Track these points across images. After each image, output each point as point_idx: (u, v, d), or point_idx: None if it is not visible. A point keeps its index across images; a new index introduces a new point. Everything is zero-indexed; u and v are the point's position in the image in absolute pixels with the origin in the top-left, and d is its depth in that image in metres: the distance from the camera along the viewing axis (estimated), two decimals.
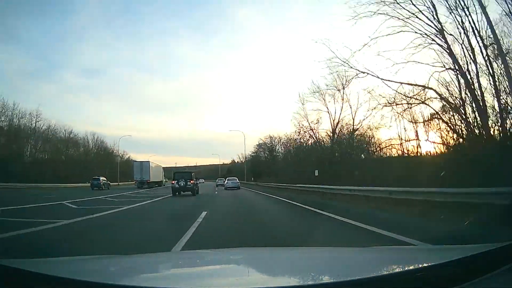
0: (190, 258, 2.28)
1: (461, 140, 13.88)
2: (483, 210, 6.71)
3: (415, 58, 14.85)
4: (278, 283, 1.51)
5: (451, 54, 14.08)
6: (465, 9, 13.44)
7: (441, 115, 14.97)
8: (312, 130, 29.59)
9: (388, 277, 1.31)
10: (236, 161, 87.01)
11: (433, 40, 14.45)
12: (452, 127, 14.28)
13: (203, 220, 8.41)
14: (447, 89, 14.64)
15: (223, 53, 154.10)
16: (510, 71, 10.74)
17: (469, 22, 13.44)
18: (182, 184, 22.15)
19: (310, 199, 15.79)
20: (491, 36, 12.03)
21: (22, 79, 79.37)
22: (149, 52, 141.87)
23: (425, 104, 15.53)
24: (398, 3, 14.63)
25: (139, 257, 2.32)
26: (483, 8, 11.51)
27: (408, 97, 16.01)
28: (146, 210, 12.64)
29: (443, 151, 14.91)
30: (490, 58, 13.02)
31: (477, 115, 13.26)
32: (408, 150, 17.69)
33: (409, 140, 17.24)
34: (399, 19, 14.87)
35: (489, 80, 13.07)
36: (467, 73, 13.56)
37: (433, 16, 14.36)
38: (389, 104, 16.97)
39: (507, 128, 12.26)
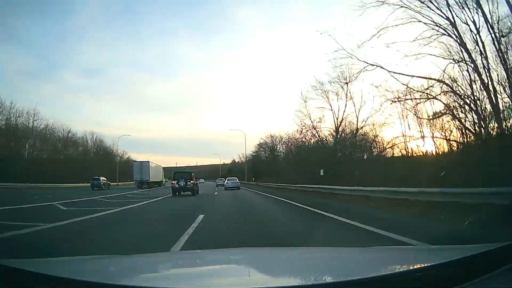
0: (190, 258, 2.28)
1: (472, 136, 13.40)
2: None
3: (425, 51, 14.22)
4: (278, 283, 1.51)
5: (463, 46, 13.44)
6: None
7: (453, 110, 14.32)
8: (315, 128, 28.86)
9: (388, 277, 1.31)
10: (236, 161, 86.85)
11: (444, 31, 13.74)
12: (463, 123, 13.75)
13: (201, 223, 7.93)
14: (456, 83, 14.04)
15: (223, 53, 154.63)
16: None
17: (482, 14, 12.81)
18: (182, 184, 22.15)
19: (313, 199, 15.44)
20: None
21: (22, 79, 79.59)
22: (149, 52, 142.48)
23: (436, 99, 14.84)
24: None
25: (139, 257, 2.32)
26: None
27: (419, 91, 15.30)
28: (141, 211, 12.02)
29: (448, 149, 14.53)
30: (503, 51, 12.49)
31: (490, 110, 12.76)
32: (412, 150, 17.26)
33: (417, 138, 16.55)
34: (409, 8, 14.22)
35: (502, 73, 12.58)
36: (479, 66, 13.00)
37: (444, 6, 13.66)
38: (397, 100, 16.25)
39: None
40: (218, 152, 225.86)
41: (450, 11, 13.62)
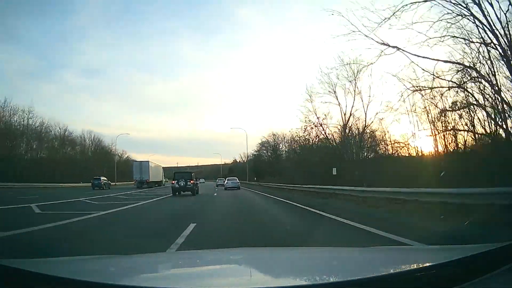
0: (190, 258, 2.28)
1: (500, 130, 12.38)
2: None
3: (449, 33, 12.63)
4: (278, 283, 1.51)
5: (490, 28, 11.98)
6: None
7: (479, 101, 12.88)
8: (321, 125, 26.66)
9: (388, 277, 1.31)
10: (238, 161, 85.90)
11: (469, 11, 12.17)
12: (491, 115, 12.62)
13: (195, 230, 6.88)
14: (486, 70, 12.50)
15: (224, 52, 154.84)
16: None
17: None
18: (182, 184, 22.17)
19: (320, 202, 14.00)
20: None
21: (22, 79, 79.76)
22: (149, 52, 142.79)
23: (462, 88, 13.31)
24: None
25: (139, 257, 2.32)
26: None
27: (445, 79, 13.60)
28: (132, 215, 10.67)
29: (467, 146, 13.58)
30: None
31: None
32: (420, 150, 16.33)
33: (438, 133, 14.77)
34: None
35: None
36: (508, 50, 11.72)
37: None
38: (420, 88, 14.45)
39: None
40: (219, 152, 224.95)
41: None
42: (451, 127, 14.34)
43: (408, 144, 17.38)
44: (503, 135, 12.50)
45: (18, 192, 24.18)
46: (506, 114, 12.15)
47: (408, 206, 9.40)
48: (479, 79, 12.77)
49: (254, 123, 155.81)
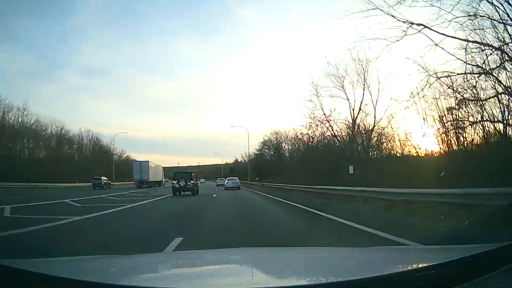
0: (190, 258, 2.28)
1: None
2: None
3: (479, 12, 11.22)
4: (278, 283, 1.51)
5: None
6: None
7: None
8: (328, 121, 24.64)
9: (388, 277, 1.31)
10: (239, 160, 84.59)
11: None
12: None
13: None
14: None
15: (224, 52, 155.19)
16: None
17: None
18: (182, 184, 22.19)
19: (342, 207, 11.91)
20: None
21: (22, 79, 79.68)
22: (149, 52, 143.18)
23: (491, 75, 11.92)
24: None
25: (139, 257, 2.32)
26: None
27: (475, 65, 12.17)
28: (112, 221, 9.19)
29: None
30: None
31: None
32: (431, 151, 15.32)
33: (465, 126, 13.33)
34: None
35: None
36: None
37: None
38: (447, 75, 12.77)
39: None
40: (220, 152, 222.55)
41: None
42: (466, 122, 13.27)
43: (418, 147, 16.46)
44: None
45: (7, 193, 22.48)
46: None
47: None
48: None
49: (256, 123, 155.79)
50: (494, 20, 11.42)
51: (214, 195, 22.52)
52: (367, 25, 15.81)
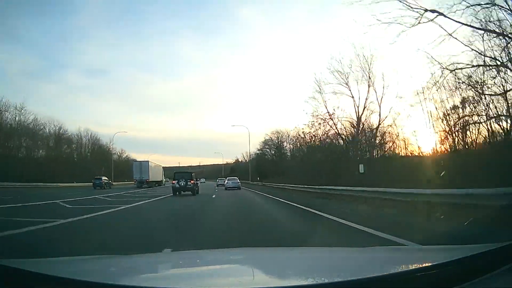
0: (190, 258, 2.28)
1: None
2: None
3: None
4: (278, 283, 1.52)
5: None
6: None
7: None
8: (331, 118, 23.68)
9: (388, 277, 1.31)
10: (240, 160, 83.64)
11: None
12: None
13: None
14: None
15: (225, 51, 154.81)
16: None
17: None
18: (182, 184, 22.20)
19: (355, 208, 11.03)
20: None
21: (23, 79, 79.71)
22: (150, 52, 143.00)
23: (508, 68, 11.30)
24: None
25: (139, 257, 2.32)
26: None
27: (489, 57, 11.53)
28: (99, 226, 8.28)
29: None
30: None
31: None
32: (437, 150, 14.79)
33: (470, 123, 12.91)
34: None
35: None
36: None
37: None
38: (461, 66, 12.03)
39: None
40: (221, 152, 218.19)
41: None
42: (471, 120, 13.03)
43: (420, 147, 16.15)
44: None
45: (2, 193, 21.84)
46: None
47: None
48: None
49: (257, 123, 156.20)
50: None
51: (214, 196, 21.46)
52: (380, 11, 15.29)
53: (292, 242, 5.63)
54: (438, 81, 13.49)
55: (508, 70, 11.67)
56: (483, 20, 11.57)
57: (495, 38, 11.73)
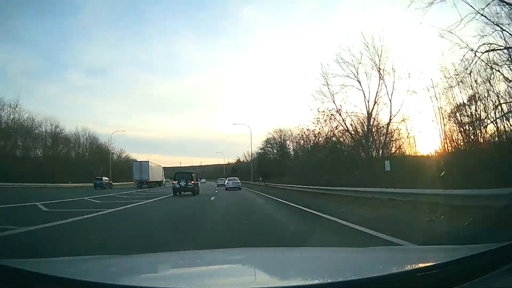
0: (190, 258, 2.28)
1: None
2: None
3: None
4: (278, 283, 1.52)
5: None
6: None
7: None
8: (339, 113, 21.72)
9: (388, 277, 1.31)
10: (242, 160, 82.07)
11: None
12: None
13: None
14: None
15: (227, 51, 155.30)
16: None
17: None
18: (182, 184, 22.21)
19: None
20: None
21: (23, 79, 79.87)
22: (151, 52, 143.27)
23: None
24: None
25: (139, 257, 2.32)
26: None
27: None
28: (79, 234, 6.97)
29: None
30: None
31: None
32: (447, 147, 13.88)
33: (479, 120, 12.18)
34: None
35: None
36: None
37: None
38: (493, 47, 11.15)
39: None
40: (223, 152, 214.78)
41: None
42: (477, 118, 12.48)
43: (428, 146, 15.74)
44: None
45: None
46: None
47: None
48: None
49: (259, 122, 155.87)
50: None
51: (213, 198, 19.11)
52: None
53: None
54: (469, 66, 12.36)
55: None
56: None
57: None
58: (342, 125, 22.02)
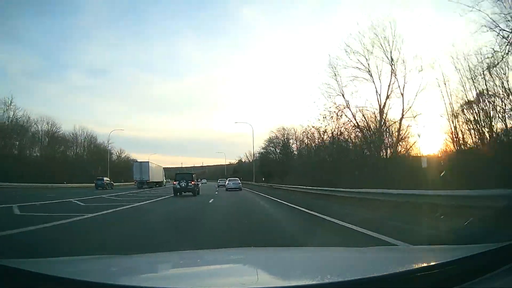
0: (190, 258, 2.28)
1: None
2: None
3: None
4: (279, 283, 1.51)
5: None
6: None
7: None
8: (349, 108, 20.29)
9: (388, 277, 1.31)
10: (243, 161, 79.15)
11: None
12: None
13: None
14: None
15: (228, 51, 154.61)
16: None
17: None
18: (183, 185, 22.23)
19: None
20: None
21: (24, 78, 79.92)
22: (152, 52, 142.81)
23: None
24: None
25: (139, 257, 2.32)
26: None
27: None
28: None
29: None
30: None
31: None
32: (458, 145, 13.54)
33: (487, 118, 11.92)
34: None
35: None
36: None
37: None
38: None
39: None
40: (225, 152, 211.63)
41: None
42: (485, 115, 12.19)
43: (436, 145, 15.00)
44: None
45: None
46: None
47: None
48: None
49: (261, 122, 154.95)
50: None
51: (211, 201, 17.01)
52: None
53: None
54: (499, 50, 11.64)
55: None
56: None
57: None
58: (352, 121, 20.48)
